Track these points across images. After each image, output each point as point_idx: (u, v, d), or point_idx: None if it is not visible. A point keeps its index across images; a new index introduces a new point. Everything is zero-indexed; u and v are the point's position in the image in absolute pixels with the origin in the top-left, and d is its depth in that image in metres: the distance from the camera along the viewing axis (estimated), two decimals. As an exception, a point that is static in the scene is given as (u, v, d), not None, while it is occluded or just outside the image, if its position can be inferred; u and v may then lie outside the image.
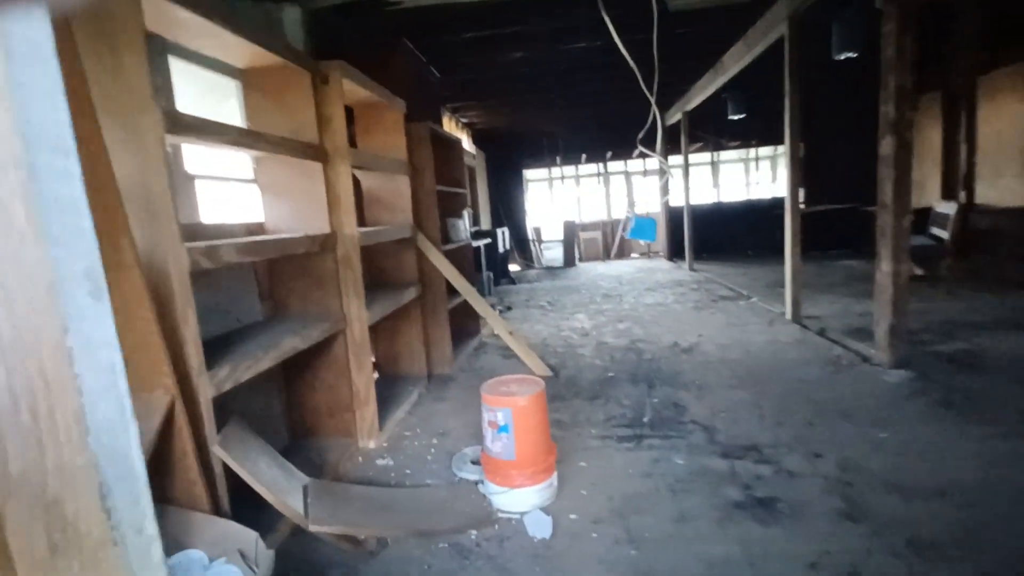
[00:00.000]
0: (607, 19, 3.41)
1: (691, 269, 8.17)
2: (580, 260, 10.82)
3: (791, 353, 3.62)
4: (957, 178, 6.62)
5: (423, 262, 3.61)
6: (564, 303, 6.28)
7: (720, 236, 9.28)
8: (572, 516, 1.91)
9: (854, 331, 3.84)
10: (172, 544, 1.36)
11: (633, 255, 11.10)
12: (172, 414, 1.43)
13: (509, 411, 1.94)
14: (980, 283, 5.13)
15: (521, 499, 1.95)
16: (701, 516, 1.85)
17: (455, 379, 3.62)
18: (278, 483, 1.71)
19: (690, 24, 4.76)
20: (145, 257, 1.45)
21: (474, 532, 1.85)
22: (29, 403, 0.62)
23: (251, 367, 1.79)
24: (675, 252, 9.55)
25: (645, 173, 10.93)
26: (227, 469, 1.61)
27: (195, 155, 2.25)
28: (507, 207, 10.93)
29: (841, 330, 3.96)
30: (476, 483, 2.14)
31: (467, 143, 9.31)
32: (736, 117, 7.79)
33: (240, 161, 2.56)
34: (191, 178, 2.20)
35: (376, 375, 3.40)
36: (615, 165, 11.16)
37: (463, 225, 4.51)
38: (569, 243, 10.34)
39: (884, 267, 3.12)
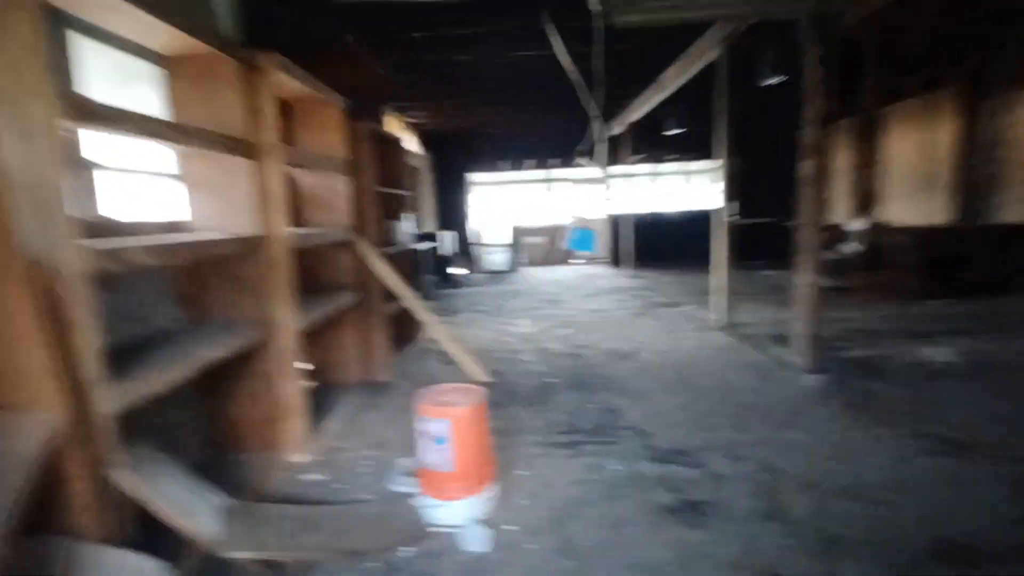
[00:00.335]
0: (549, 29, 3.45)
1: (631, 276, 8.44)
2: (525, 265, 10.90)
3: (720, 359, 3.82)
4: (867, 198, 7.25)
5: (362, 266, 3.48)
6: (507, 308, 6.28)
7: (661, 244, 9.72)
8: (510, 527, 1.89)
9: (776, 338, 4.09)
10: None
11: (578, 260, 11.31)
12: (56, 435, 1.27)
13: (448, 422, 1.89)
14: (885, 294, 5.62)
15: (458, 512, 1.90)
16: (636, 522, 1.89)
17: (394, 386, 3.51)
18: (189, 505, 1.57)
19: (634, 40, 4.91)
20: (37, 255, 1.28)
21: (407, 549, 1.79)
22: None
23: (161, 379, 1.63)
24: (618, 258, 9.85)
25: (589, 181, 11.17)
26: (132, 492, 1.45)
27: (114, 147, 2.04)
28: (452, 210, 10.83)
29: (765, 336, 4.22)
30: (411, 497, 2.07)
31: (414, 144, 9.14)
32: (672, 132, 8.10)
33: (166, 155, 2.36)
34: (90, 167, 1.97)
35: (311, 384, 3.23)
36: (561, 172, 11.33)
37: (405, 228, 4.40)
38: (514, 248, 10.39)
39: (803, 279, 3.34)
